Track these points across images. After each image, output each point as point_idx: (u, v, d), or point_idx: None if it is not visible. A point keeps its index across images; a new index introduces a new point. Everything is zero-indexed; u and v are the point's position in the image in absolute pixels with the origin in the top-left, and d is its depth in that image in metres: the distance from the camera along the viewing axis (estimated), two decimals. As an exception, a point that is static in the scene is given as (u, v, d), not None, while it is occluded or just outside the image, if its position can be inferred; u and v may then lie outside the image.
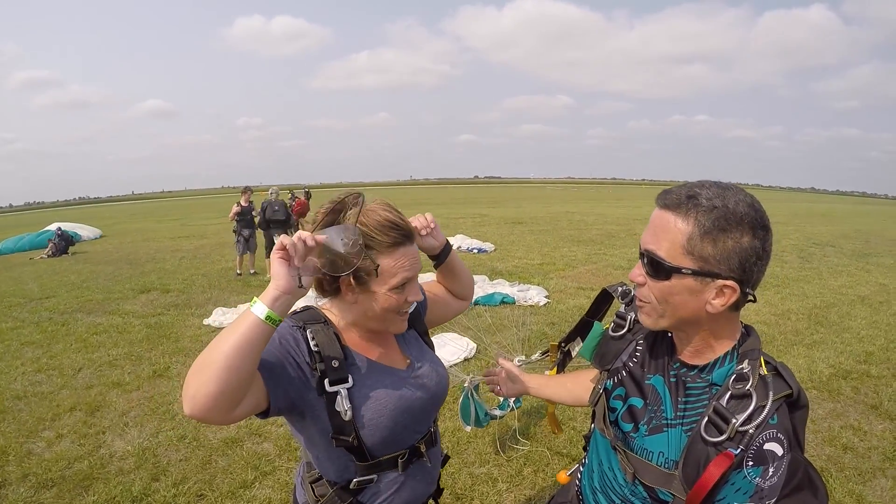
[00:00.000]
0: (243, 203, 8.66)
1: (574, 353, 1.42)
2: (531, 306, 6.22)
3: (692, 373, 0.92)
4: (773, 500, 0.80)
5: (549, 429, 2.80)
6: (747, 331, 0.92)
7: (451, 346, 4.51)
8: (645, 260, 0.88)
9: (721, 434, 0.80)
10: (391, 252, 1.03)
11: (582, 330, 1.35)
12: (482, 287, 6.66)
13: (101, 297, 7.47)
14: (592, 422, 1.12)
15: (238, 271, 8.72)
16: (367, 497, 1.10)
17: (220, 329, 4.87)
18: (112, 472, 2.99)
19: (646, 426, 0.94)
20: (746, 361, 0.85)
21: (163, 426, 3.51)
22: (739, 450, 0.79)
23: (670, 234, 0.83)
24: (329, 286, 1.07)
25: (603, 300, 1.30)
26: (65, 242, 12.94)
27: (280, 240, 0.85)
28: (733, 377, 0.84)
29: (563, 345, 1.47)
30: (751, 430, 0.79)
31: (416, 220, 1.16)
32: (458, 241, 10.96)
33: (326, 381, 1.00)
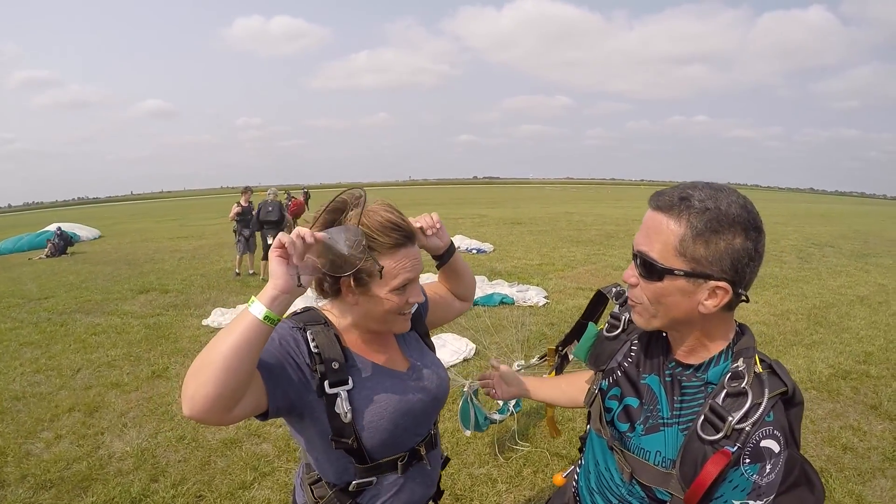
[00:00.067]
0: (243, 203, 8.68)
1: (571, 356, 1.42)
2: (530, 307, 6.22)
3: (687, 372, 0.92)
4: (771, 497, 0.81)
5: (548, 431, 2.81)
6: (741, 329, 0.93)
7: (450, 347, 4.51)
8: (638, 261, 0.88)
9: (718, 432, 0.81)
10: (392, 253, 1.02)
11: (578, 332, 1.35)
12: (481, 287, 6.66)
13: (99, 297, 7.46)
14: (588, 423, 1.12)
15: (237, 271, 8.73)
16: (367, 499, 1.10)
17: (218, 329, 4.87)
18: (111, 472, 2.99)
19: (642, 426, 0.95)
20: (741, 360, 0.85)
21: (162, 427, 3.51)
22: (736, 447, 0.79)
23: (663, 235, 0.83)
24: (330, 287, 1.07)
25: (598, 302, 1.30)
26: (63, 243, 12.93)
27: (279, 237, 0.84)
28: (728, 375, 0.85)
29: (560, 348, 1.47)
30: (747, 428, 0.79)
31: (423, 220, 1.15)
32: (457, 242, 10.95)
33: (326, 382, 0.99)
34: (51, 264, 11.32)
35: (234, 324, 0.84)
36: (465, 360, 4.45)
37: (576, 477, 1.18)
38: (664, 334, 0.98)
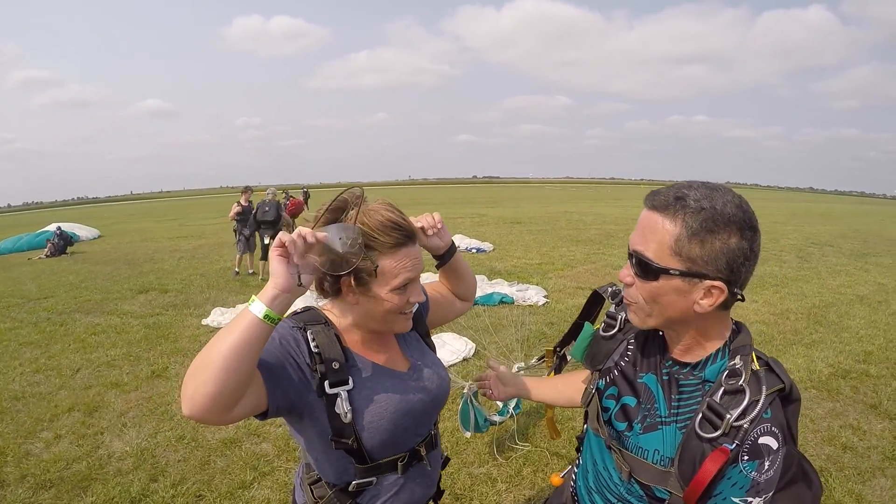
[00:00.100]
0: (243, 203, 8.72)
1: (570, 357, 1.42)
2: (530, 306, 6.22)
3: (685, 370, 0.93)
4: (770, 494, 0.81)
5: (548, 431, 2.81)
6: (738, 327, 0.93)
7: (449, 347, 4.51)
8: (633, 260, 0.88)
9: (716, 430, 0.81)
10: (393, 253, 1.01)
11: (575, 333, 1.35)
12: (481, 287, 6.66)
13: (99, 297, 7.46)
14: (585, 422, 1.12)
15: (236, 270, 8.74)
16: (367, 499, 1.10)
17: (218, 329, 4.85)
18: (110, 472, 2.99)
19: (640, 424, 0.95)
20: (738, 357, 0.85)
21: (161, 427, 3.51)
22: (735, 445, 0.79)
23: (658, 234, 0.84)
24: (330, 287, 1.06)
25: (594, 302, 1.30)
26: (63, 242, 12.93)
27: (279, 236, 0.84)
28: (726, 373, 0.85)
29: (558, 349, 1.47)
30: (745, 425, 0.79)
31: (424, 220, 1.15)
32: (456, 241, 10.89)
33: (326, 382, 0.99)
34: (50, 264, 11.32)
35: (235, 323, 0.84)
36: (465, 359, 4.45)
37: (573, 476, 1.18)
38: (660, 333, 0.99)
